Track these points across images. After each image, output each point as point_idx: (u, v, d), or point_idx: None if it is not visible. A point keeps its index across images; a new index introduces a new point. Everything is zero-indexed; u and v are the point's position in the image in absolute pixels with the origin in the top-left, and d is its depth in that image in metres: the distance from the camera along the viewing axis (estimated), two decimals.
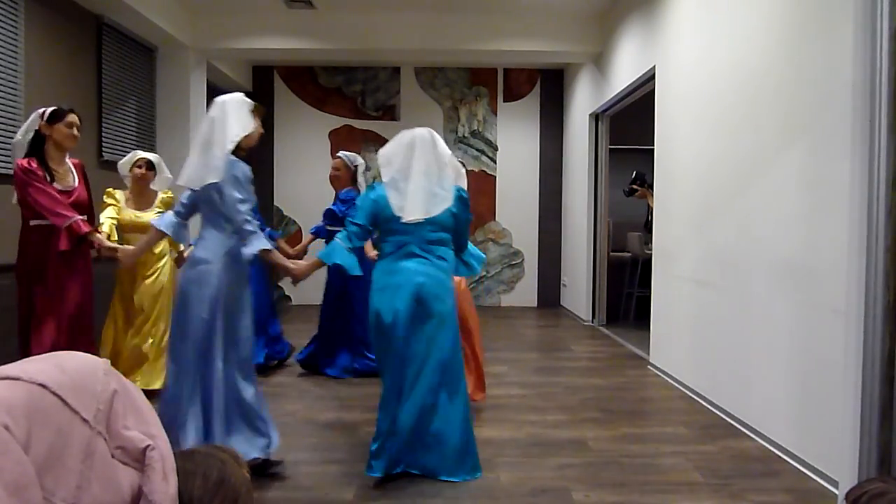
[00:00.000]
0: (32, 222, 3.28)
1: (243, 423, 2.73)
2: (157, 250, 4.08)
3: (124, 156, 5.57)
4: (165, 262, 4.17)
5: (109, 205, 4.06)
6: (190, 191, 2.83)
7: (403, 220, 2.78)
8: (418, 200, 2.78)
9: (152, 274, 4.09)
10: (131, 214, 4.07)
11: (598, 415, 3.76)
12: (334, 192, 4.82)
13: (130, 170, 4.16)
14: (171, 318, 2.87)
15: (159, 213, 3.93)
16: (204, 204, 2.77)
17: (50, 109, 3.33)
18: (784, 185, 3.14)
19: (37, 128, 3.31)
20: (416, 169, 2.82)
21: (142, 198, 4.16)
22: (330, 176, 4.80)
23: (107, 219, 3.93)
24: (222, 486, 1.20)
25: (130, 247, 3.32)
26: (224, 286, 2.71)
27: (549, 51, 6.74)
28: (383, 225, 2.87)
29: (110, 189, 4.15)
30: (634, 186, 6.42)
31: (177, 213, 2.90)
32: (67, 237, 3.25)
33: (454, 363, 2.84)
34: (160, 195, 4.23)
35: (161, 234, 2.96)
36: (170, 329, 2.89)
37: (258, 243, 2.70)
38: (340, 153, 4.82)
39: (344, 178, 4.72)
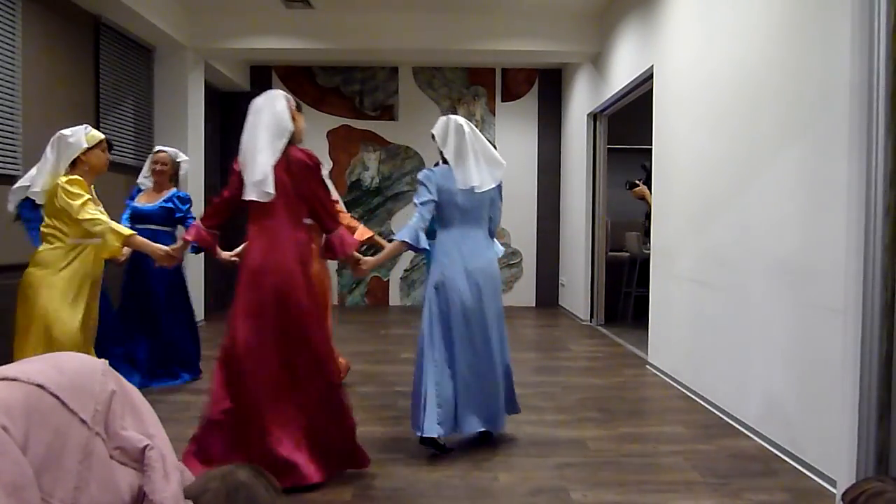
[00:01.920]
0: (308, 221, 2.83)
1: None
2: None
3: (123, 156, 5.60)
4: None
5: (89, 200, 3.07)
6: (427, 199, 2.90)
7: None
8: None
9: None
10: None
11: (596, 414, 3.77)
12: (151, 189, 4.40)
13: (87, 152, 3.18)
14: (441, 326, 3.01)
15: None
16: (475, 208, 2.93)
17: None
18: (782, 185, 3.14)
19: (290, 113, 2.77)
20: None
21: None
22: (157, 171, 4.37)
23: (106, 219, 3.09)
24: (239, 492, 1.18)
25: (372, 258, 3.01)
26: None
27: (547, 50, 6.75)
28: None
29: (76, 176, 3.08)
30: (636, 181, 6.39)
31: (420, 226, 2.88)
32: (344, 241, 2.85)
33: None
34: None
35: (402, 248, 2.98)
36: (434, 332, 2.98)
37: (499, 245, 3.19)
38: (165, 147, 4.48)
39: (168, 174, 4.42)
